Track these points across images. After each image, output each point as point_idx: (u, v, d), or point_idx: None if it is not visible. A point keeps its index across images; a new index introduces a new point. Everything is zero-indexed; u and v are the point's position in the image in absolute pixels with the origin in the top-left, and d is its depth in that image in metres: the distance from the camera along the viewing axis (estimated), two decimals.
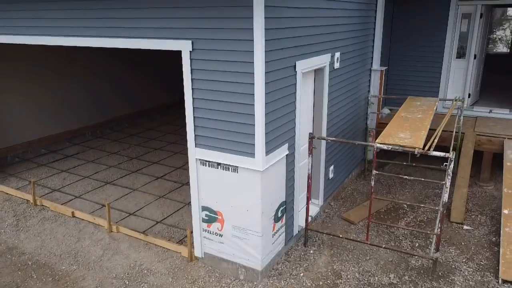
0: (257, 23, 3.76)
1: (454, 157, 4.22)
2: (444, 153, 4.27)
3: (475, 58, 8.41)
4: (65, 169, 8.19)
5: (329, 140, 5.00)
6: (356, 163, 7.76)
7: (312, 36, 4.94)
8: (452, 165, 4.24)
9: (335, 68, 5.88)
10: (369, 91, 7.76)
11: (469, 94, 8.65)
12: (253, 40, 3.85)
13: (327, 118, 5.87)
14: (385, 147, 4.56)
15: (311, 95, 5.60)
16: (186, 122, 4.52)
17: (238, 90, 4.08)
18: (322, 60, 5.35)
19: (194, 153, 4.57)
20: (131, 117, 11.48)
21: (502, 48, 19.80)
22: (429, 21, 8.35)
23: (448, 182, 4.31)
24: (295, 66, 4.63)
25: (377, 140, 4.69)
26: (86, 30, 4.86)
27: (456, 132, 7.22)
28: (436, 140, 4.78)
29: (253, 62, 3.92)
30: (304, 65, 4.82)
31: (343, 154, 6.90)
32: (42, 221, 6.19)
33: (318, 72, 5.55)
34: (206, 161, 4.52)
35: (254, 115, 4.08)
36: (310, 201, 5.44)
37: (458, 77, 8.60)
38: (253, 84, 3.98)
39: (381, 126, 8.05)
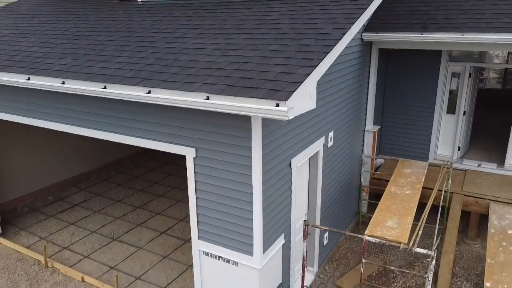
0: (255, 144, 4.11)
1: (435, 254, 4.61)
2: (426, 251, 4.66)
3: (464, 114, 8.80)
4: (73, 221, 8.58)
5: (322, 229, 5.39)
6: (351, 217, 8.15)
7: (307, 132, 5.33)
8: (433, 262, 4.63)
9: (328, 146, 6.27)
10: (362, 150, 8.16)
11: (459, 147, 9.03)
12: (251, 157, 4.24)
13: (322, 187, 6.22)
14: (373, 239, 4.95)
15: (306, 176, 5.99)
16: (190, 216, 4.91)
17: (237, 196, 4.47)
18: (316, 147, 5.74)
19: (197, 244, 4.97)
20: (134, 156, 11.87)
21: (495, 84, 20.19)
22: (421, 79, 8.73)
23: (430, 276, 4.70)
24: (290, 163, 5.02)
25: (366, 232, 5.08)
26: (103, 126, 5.18)
27: (445, 191, 7.64)
28: (420, 232, 5.17)
29: (251, 175, 4.31)
30: (299, 160, 5.21)
31: (338, 212, 7.27)
32: (54, 286, 6.58)
33: (312, 156, 5.94)
34: (208, 252, 4.91)
35: (252, 219, 4.47)
36: (305, 269, 5.83)
37: (448, 131, 8.99)
38: (251, 193, 4.37)
39: (374, 182, 8.48)
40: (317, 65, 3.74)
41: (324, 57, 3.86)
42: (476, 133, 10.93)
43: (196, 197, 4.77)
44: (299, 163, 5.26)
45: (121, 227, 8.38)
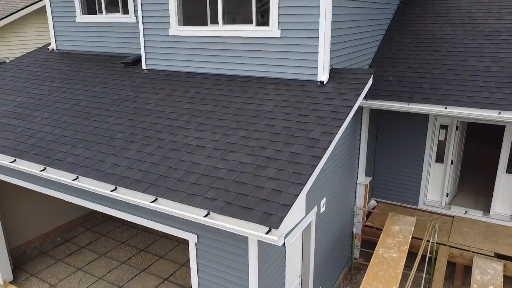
0: (251, 253, 4.57)
1: None
2: None
3: (452, 163, 9.26)
4: (80, 266, 9.05)
5: None
6: (344, 263, 8.60)
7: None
8: None
9: (321, 213, 6.73)
10: (355, 202, 8.62)
11: (447, 194, 9.50)
12: (247, 263, 4.63)
13: (315, 250, 6.67)
14: None
15: (299, 246, 6.45)
16: None
17: (235, 280, 4.92)
18: (309, 219, 6.20)
19: None
20: None
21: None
22: (411, 132, 9.17)
23: None
24: (284, 242, 5.49)
25: None
26: (111, 203, 5.66)
27: (432, 242, 8.12)
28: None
29: (248, 271, 4.74)
30: (292, 237, 5.67)
31: (331, 261, 7.71)
32: None
33: (305, 227, 6.40)
34: None
35: None
36: None
37: (437, 178, 9.45)
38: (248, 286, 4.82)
39: (366, 229, 8.94)
40: (306, 183, 4.21)
41: (312, 172, 4.32)
42: (467, 174, 11.37)
43: (198, 278, 5.23)
44: (293, 239, 5.72)
45: (126, 273, 8.85)
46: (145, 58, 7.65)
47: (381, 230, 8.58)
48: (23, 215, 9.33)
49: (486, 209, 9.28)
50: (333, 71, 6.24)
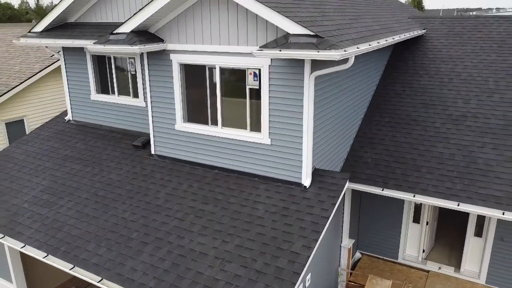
0: None
1: None
2: None
3: (427, 224, 10.36)
4: None
5: None
6: None
7: None
8: None
9: (306, 286, 7.82)
10: (339, 263, 9.73)
11: (423, 250, 10.60)
12: None
13: None
14: None
15: None
16: None
17: None
18: None
19: None
20: None
21: None
22: (389, 201, 10.24)
23: None
24: None
25: None
26: None
27: None
28: None
29: None
30: None
31: None
32: None
33: None
34: None
35: None
36: None
37: (414, 237, 10.54)
38: None
39: (350, 285, 10.03)
40: None
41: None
42: (444, 228, 12.40)
43: None
44: None
45: None
46: (154, 145, 8.75)
47: (363, 286, 9.68)
48: (45, 267, 10.41)
49: (458, 265, 10.38)
50: (315, 173, 7.35)
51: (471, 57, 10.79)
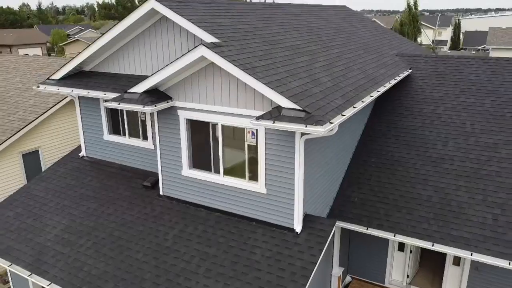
0: None
1: None
2: None
3: (410, 252, 11.35)
4: None
5: None
6: None
7: None
8: None
9: None
10: None
11: (408, 275, 11.60)
12: None
13: None
14: None
15: None
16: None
17: None
18: None
19: None
20: None
21: None
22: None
23: None
24: None
25: None
26: None
27: None
28: None
29: None
30: None
31: None
32: None
33: None
34: None
35: None
36: None
37: (399, 263, 11.52)
38: None
39: None
40: None
41: None
42: (428, 252, 13.36)
43: None
44: None
45: None
46: (163, 187, 9.74)
47: None
48: None
49: None
50: (306, 218, 8.34)
51: (452, 98, 11.77)
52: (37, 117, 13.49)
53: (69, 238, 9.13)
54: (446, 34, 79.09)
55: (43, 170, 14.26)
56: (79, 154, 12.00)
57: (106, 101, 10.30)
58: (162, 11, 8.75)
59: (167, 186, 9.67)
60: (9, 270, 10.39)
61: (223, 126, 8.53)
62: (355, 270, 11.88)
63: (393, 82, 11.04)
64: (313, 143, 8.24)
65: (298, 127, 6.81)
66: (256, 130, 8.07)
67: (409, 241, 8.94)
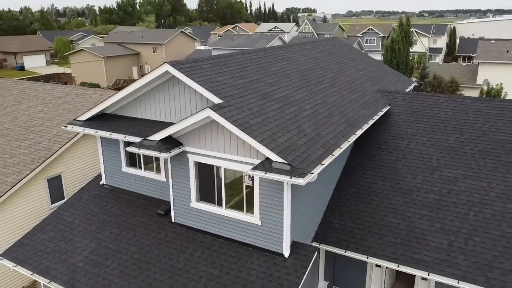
0: None
1: None
2: None
3: (386, 268, 13.17)
4: None
5: None
6: None
7: None
8: None
9: None
10: None
11: (384, 287, 13.41)
12: None
13: None
14: None
15: None
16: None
17: None
18: None
19: None
20: None
21: None
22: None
23: None
24: None
25: None
26: None
27: None
28: None
29: None
30: None
31: None
32: None
33: None
34: None
35: None
36: None
37: (377, 277, 13.32)
38: None
39: None
40: None
41: None
42: None
43: None
44: None
45: None
46: (174, 216, 11.58)
47: None
48: None
49: None
50: (293, 245, 10.17)
51: (423, 134, 13.62)
52: (61, 147, 15.30)
53: (97, 259, 10.96)
54: (441, 41, 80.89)
55: (65, 192, 16.10)
56: (100, 182, 13.84)
57: (126, 142, 12.15)
58: (175, 74, 10.59)
59: (178, 215, 11.50)
60: (43, 286, 12.24)
61: (225, 169, 10.36)
62: (339, 283, 13.71)
63: (371, 122, 12.87)
64: (299, 186, 10.08)
65: (284, 178, 8.66)
66: (253, 175, 9.91)
67: (379, 262, 10.78)
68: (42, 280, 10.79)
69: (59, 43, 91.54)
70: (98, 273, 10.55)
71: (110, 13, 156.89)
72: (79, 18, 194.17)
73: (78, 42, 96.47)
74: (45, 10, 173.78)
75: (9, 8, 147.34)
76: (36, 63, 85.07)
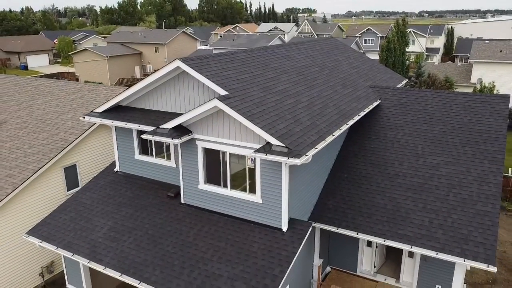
0: None
1: None
2: None
3: (376, 247, 14.42)
4: None
5: None
6: None
7: None
8: None
9: None
10: (312, 276, 13.77)
11: (375, 266, 14.66)
12: None
13: None
14: None
15: None
16: None
17: None
18: None
19: None
20: None
21: None
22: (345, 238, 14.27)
23: None
24: None
25: None
26: None
27: None
28: None
29: None
30: None
31: None
32: None
33: None
34: None
35: None
36: None
37: (367, 256, 14.58)
38: None
39: None
40: None
41: None
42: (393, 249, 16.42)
43: None
44: None
45: None
46: (183, 197, 12.84)
47: None
48: (101, 277, 14.42)
49: (398, 277, 14.45)
50: (291, 221, 11.42)
51: (410, 126, 14.88)
52: (76, 138, 16.54)
53: (115, 235, 12.22)
54: (439, 42, 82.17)
55: (79, 180, 17.35)
56: (114, 170, 15.09)
57: (140, 131, 13.42)
58: (185, 69, 11.85)
59: (187, 196, 12.76)
60: (64, 259, 13.51)
61: (230, 153, 11.63)
62: (333, 262, 14.99)
63: (361, 114, 14.14)
64: (296, 167, 11.35)
65: (282, 159, 9.92)
66: (255, 158, 11.17)
67: (368, 238, 12.03)
68: (66, 254, 12.04)
69: (61, 43, 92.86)
70: (117, 247, 11.80)
71: (111, 13, 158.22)
72: (80, 19, 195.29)
73: (80, 42, 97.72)
74: (46, 10, 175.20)
75: (10, 9, 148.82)
76: (39, 62, 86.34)
